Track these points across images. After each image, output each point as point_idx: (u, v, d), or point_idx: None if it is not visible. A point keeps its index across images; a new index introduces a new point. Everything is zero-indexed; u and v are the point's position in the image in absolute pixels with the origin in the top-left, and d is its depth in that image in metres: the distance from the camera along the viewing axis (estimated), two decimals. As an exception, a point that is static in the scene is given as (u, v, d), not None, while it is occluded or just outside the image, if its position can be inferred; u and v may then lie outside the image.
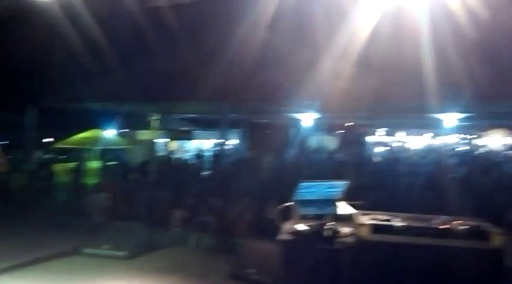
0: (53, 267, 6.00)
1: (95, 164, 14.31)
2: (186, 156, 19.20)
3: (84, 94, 12.74)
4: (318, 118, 16.28)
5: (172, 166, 14.25)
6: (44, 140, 18.33)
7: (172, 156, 17.27)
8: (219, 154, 17.82)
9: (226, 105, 12.71)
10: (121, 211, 9.33)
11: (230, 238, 7.65)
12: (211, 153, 20.20)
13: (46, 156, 16.65)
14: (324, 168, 13.53)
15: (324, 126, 17.71)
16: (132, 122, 18.76)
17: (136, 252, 6.68)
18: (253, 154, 17.73)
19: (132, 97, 13.31)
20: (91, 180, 12.78)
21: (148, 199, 9.75)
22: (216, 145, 21.64)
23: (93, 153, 16.18)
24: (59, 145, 17.25)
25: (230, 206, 8.99)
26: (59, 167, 14.74)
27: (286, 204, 3.45)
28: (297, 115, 16.67)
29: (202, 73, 12.12)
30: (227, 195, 9.53)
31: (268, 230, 8.01)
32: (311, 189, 3.42)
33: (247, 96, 12.35)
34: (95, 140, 16.33)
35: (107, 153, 17.53)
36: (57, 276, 5.67)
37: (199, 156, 18.49)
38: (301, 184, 3.38)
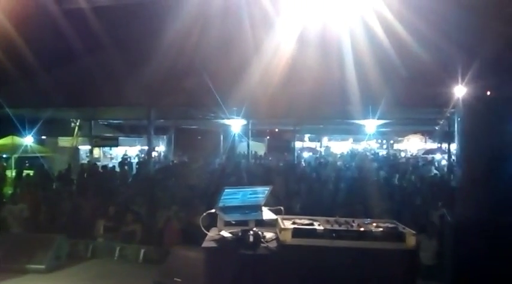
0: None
1: (12, 173, 13.52)
2: (111, 163, 18.65)
3: (1, 99, 12.01)
4: (246, 124, 16.44)
5: (96, 174, 13.74)
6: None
7: (96, 163, 16.66)
8: (144, 161, 17.48)
9: (153, 110, 12.49)
10: (41, 223, 8.87)
11: (157, 247, 7.51)
12: (136, 160, 19.76)
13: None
14: (253, 173, 13.68)
15: (253, 132, 17.89)
16: (54, 128, 17.87)
17: (56, 265, 6.36)
18: (181, 161, 17.57)
19: (54, 103, 12.73)
20: (8, 190, 12.06)
21: (71, 209, 9.35)
22: (141, 151, 21.23)
23: (10, 161, 15.30)
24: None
25: (157, 214, 8.84)
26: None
27: (210, 211, 3.44)
28: (226, 122, 16.75)
29: (128, 79, 11.84)
30: (154, 203, 9.36)
31: (197, 238, 8.00)
32: (235, 195, 3.43)
33: (174, 102, 12.24)
34: (12, 147, 15.43)
35: (25, 161, 16.63)
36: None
37: (124, 163, 17.99)
38: (225, 190, 3.39)
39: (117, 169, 15.93)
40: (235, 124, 16.87)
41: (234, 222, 3.36)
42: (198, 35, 11.19)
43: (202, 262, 3.17)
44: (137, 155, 20.63)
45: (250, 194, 3.46)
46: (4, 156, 15.80)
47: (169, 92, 11.74)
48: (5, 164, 14.62)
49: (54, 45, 13.19)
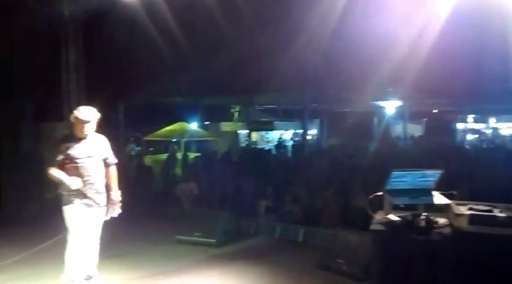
0: (152, 253, 6.36)
1: (181, 155, 14.92)
2: (268, 146, 19.45)
3: (168, 90, 13.28)
4: (402, 106, 15.74)
5: (255, 156, 14.46)
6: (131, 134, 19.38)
7: (254, 146, 17.54)
8: (299, 144, 17.86)
9: (308, 94, 12.66)
10: (208, 200, 9.63)
11: (317, 228, 7.63)
12: (292, 143, 20.27)
13: (137, 149, 17.63)
14: (409, 156, 13.07)
15: (409, 114, 17.08)
16: (216, 115, 19.27)
17: (225, 240, 6.88)
18: (335, 144, 17.56)
19: (214, 90, 13.69)
20: (179, 170, 13.33)
21: (233, 189, 10.00)
22: (295, 135, 21.72)
23: (180, 145, 16.90)
24: (148, 138, 18.21)
25: (315, 195, 8.96)
26: (149, 159, 15.57)
27: (377, 194, 3.37)
28: (380, 104, 16.24)
29: (283, 63, 12.16)
30: (311, 185, 9.51)
31: (355, 220, 7.95)
32: (403, 178, 3.32)
33: (329, 85, 12.23)
34: (181, 132, 17.04)
35: (192, 145, 18.23)
36: (156, 261, 6.01)
37: (280, 146, 18.61)
38: (393, 173, 3.29)
39: (274, 151, 16.56)
40: (390, 106, 16.26)
41: (402, 206, 3.26)
42: (354, 16, 10.97)
43: (371, 244, 3.15)
44: (291, 138, 21.17)
45: (420, 177, 3.31)
46: (174, 140, 17.48)
47: (323, 75, 11.79)
48: (175, 147, 16.20)
49: (213, 35, 14.11)
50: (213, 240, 6.70)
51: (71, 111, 4.89)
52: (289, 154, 16.68)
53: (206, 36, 12.75)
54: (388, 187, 3.31)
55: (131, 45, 11.64)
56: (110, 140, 4.88)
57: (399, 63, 10.44)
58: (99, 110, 4.80)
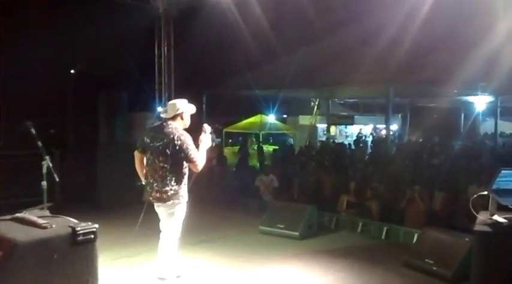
0: (236, 242, 6.51)
1: (260, 147, 15.09)
2: (346, 141, 19.16)
3: (249, 81, 13.46)
4: (494, 101, 14.82)
5: (334, 151, 14.33)
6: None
7: (334, 140, 17.36)
8: (380, 139, 17.41)
9: (392, 88, 12.28)
10: (288, 193, 9.69)
11: (400, 226, 7.44)
12: (370, 138, 19.83)
13: (217, 140, 18.08)
14: (501, 155, 12.34)
15: (500, 110, 16.08)
16: (295, 108, 19.29)
17: (308, 233, 6.89)
18: (417, 140, 16.94)
19: (294, 83, 13.68)
20: (258, 163, 13.51)
21: (314, 183, 9.97)
22: (375, 130, 21.18)
23: (259, 137, 17.14)
24: (227, 130, 18.63)
25: (398, 193, 8.72)
26: (228, 150, 15.95)
27: (482, 193, 3.22)
28: (469, 98, 15.41)
29: (365, 57, 11.89)
30: (394, 181, 9.26)
31: (439, 220, 7.65)
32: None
33: (414, 79, 11.80)
34: (260, 125, 17.26)
35: (270, 137, 18.42)
36: (242, 250, 6.16)
37: (359, 140, 18.27)
38: (501, 171, 3.12)
39: (353, 147, 16.30)
40: (480, 101, 15.39)
41: (511, 206, 3.08)
42: (443, 7, 10.50)
43: (474, 246, 3.01)
44: (371, 133, 20.72)
45: (530, 177, 3.11)
46: (253, 132, 17.76)
47: (408, 69, 11.38)
48: (254, 139, 16.44)
49: (296, 28, 14.09)
50: (296, 233, 6.74)
51: (164, 102, 5.01)
52: (369, 149, 16.34)
53: (290, 30, 12.80)
54: (495, 187, 3.14)
55: (218, 39, 11.97)
56: (193, 131, 4.86)
57: (493, 55, 9.86)
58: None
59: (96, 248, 3.15)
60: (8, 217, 3.35)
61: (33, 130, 5.07)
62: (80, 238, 3.03)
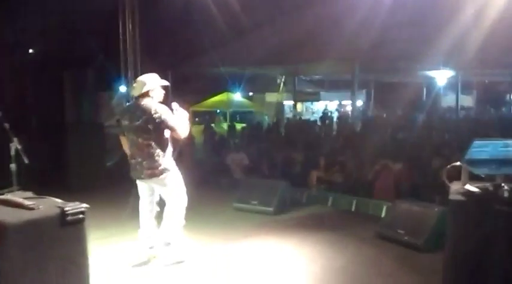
0: (211, 219, 6.53)
1: (233, 125, 15.06)
2: (312, 117, 19.36)
3: (216, 60, 13.32)
4: (454, 76, 15.24)
5: (301, 127, 14.47)
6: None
7: (300, 117, 17.50)
8: (345, 115, 17.67)
9: (357, 64, 12.43)
10: (258, 170, 9.76)
11: (369, 198, 7.64)
12: (336, 114, 20.10)
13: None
14: (462, 128, 12.76)
15: (460, 85, 16.56)
16: (261, 85, 19.26)
17: (282, 208, 6.99)
18: (381, 115, 17.30)
19: (260, 61, 13.64)
20: (225, 140, 13.50)
21: (284, 159, 10.07)
22: (340, 106, 21.48)
23: (225, 115, 17.10)
24: (194, 108, 18.44)
25: (366, 167, 8.92)
26: (195, 129, 15.83)
27: (455, 164, 3.33)
28: (430, 73, 15.79)
29: (331, 34, 11.95)
30: (361, 156, 9.46)
31: (404, 192, 7.90)
32: (484, 148, 3.25)
33: (378, 55, 11.97)
34: (227, 103, 17.19)
35: (237, 115, 18.40)
36: (217, 228, 6.22)
37: (325, 117, 18.50)
38: (474, 142, 3.23)
39: (319, 123, 16.50)
40: (441, 76, 15.79)
41: (483, 176, 3.21)
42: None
43: (449, 215, 3.13)
44: (336, 109, 20.99)
45: (502, 147, 3.24)
46: (220, 110, 17.68)
47: (373, 45, 11.52)
48: (221, 118, 16.38)
49: (262, 6, 13.98)
50: (270, 208, 6.83)
51: (129, 82, 4.90)
52: (334, 125, 16.57)
53: (257, 7, 12.70)
54: (467, 157, 3.25)
55: (183, 16, 11.74)
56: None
57: (459, 31, 10.12)
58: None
59: (85, 229, 3.10)
60: (-10, 199, 3.24)
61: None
62: (69, 218, 2.98)
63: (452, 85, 17.17)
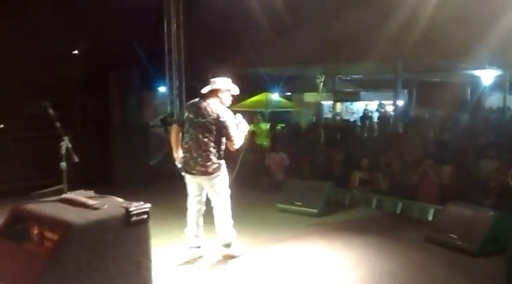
0: (254, 220, 6.50)
1: (266, 126, 15.03)
2: (352, 117, 19.09)
3: (255, 60, 13.30)
4: (502, 75, 14.71)
5: (341, 128, 14.29)
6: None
7: (339, 117, 17.29)
8: (386, 115, 17.35)
9: (400, 64, 12.18)
10: (298, 171, 9.69)
11: (413, 201, 7.48)
12: (376, 114, 19.76)
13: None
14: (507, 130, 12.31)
15: (508, 84, 15.99)
16: (300, 85, 19.12)
17: (326, 210, 6.91)
18: (424, 115, 16.88)
19: (301, 61, 13.53)
20: (265, 141, 13.48)
21: (325, 160, 9.98)
22: (380, 106, 21.10)
23: (264, 116, 17.05)
24: (233, 108, 18.42)
25: (409, 168, 8.74)
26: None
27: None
28: (475, 72, 15.28)
29: (373, 33, 11.73)
30: (405, 157, 9.27)
31: (450, 195, 7.66)
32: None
33: (422, 54, 11.68)
34: (266, 103, 17.14)
35: (275, 115, 18.31)
36: (260, 228, 6.21)
37: (366, 117, 18.20)
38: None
39: (358, 123, 16.24)
40: (487, 75, 15.27)
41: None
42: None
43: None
44: (377, 109, 20.64)
45: None
46: (259, 110, 17.63)
47: (417, 44, 11.25)
48: (260, 118, 16.35)
49: (303, 5, 13.87)
50: (314, 210, 6.77)
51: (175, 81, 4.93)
52: (375, 126, 16.28)
53: (298, 7, 12.60)
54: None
55: (226, 17, 11.77)
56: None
57: (506, 29, 9.75)
58: (193, 81, 4.92)
59: (149, 229, 3.10)
60: (54, 198, 3.30)
61: (51, 111, 5.04)
62: (134, 218, 2.97)
63: (498, 85, 16.58)
